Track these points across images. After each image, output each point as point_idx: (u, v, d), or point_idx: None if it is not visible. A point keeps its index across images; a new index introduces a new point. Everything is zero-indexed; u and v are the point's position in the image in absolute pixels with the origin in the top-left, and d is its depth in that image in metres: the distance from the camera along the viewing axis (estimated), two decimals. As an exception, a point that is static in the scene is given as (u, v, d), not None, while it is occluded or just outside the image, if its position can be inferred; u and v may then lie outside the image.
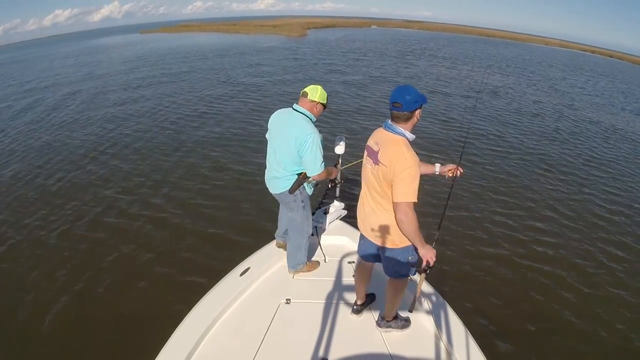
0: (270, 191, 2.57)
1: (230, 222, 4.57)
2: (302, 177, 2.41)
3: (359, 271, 2.30)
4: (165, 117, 8.93)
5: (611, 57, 51.77)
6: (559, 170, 6.73)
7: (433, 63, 19.76)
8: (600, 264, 4.21)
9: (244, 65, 16.59)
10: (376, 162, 1.82)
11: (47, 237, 4.31)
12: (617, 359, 3.08)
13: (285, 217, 2.76)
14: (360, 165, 2.10)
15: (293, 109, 2.36)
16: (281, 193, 2.48)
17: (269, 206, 4.51)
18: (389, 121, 1.83)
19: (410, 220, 1.72)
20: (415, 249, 1.87)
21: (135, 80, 13.70)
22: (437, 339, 2.21)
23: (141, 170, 6.04)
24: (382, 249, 1.98)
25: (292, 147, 2.27)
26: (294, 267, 2.71)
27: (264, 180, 2.59)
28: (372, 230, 1.98)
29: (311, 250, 3.04)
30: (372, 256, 2.13)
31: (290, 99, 7.96)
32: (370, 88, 12.11)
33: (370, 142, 1.91)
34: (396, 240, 1.91)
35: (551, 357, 3.01)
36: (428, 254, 1.78)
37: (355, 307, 2.38)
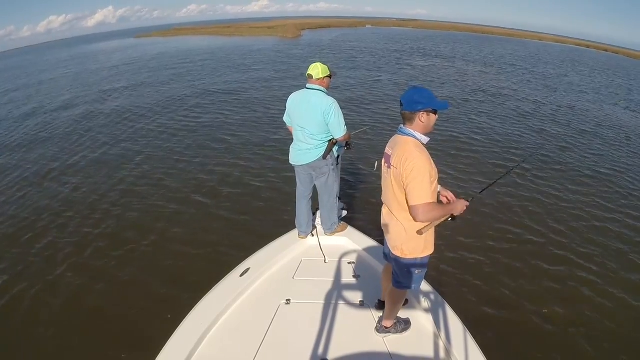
0: (300, 164, 2.89)
1: (230, 221, 4.58)
2: (331, 144, 2.82)
3: (385, 271, 2.32)
4: (138, 126, 8.53)
5: (606, 51, 51.80)
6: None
7: (431, 62, 19.73)
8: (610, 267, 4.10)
9: (233, 70, 16.08)
10: (389, 165, 1.85)
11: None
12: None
13: (305, 208, 3.10)
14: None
15: (307, 88, 2.76)
16: (314, 161, 2.82)
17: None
18: (401, 124, 1.85)
19: (432, 218, 1.73)
20: (424, 263, 1.92)
21: (120, 86, 13.54)
22: (437, 338, 2.21)
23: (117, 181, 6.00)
24: (393, 255, 1.99)
25: (319, 119, 2.67)
26: (330, 228, 3.13)
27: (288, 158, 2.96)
28: (386, 235, 2.02)
29: (311, 251, 3.07)
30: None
31: (281, 106, 7.58)
32: (365, 91, 11.96)
33: (387, 148, 1.93)
34: (405, 250, 1.90)
35: (551, 356, 2.99)
36: (459, 209, 1.82)
37: (377, 303, 2.43)
